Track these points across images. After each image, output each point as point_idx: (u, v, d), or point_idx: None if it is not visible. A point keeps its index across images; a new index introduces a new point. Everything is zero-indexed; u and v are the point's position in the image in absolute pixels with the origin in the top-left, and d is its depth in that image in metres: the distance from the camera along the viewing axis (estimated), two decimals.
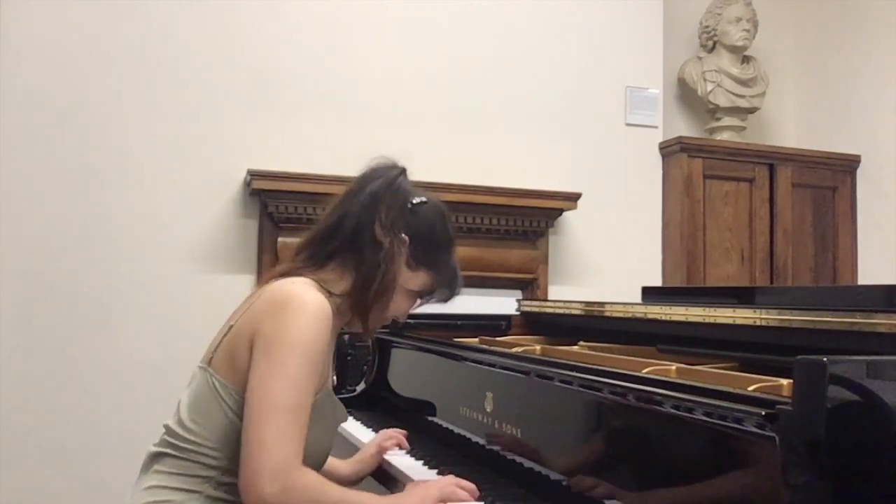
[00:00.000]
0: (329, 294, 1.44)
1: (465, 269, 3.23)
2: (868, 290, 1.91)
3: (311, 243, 1.51)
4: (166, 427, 1.42)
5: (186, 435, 1.38)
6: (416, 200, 1.53)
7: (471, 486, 1.42)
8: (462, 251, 3.24)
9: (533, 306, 2.54)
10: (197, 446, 1.37)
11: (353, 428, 2.11)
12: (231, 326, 1.43)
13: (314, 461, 1.41)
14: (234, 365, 1.38)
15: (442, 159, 3.33)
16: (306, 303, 1.35)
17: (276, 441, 1.28)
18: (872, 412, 0.94)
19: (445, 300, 1.59)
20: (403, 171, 1.56)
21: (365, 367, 2.55)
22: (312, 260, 1.49)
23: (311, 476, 1.33)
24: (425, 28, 3.40)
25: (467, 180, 3.26)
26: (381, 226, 1.45)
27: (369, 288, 1.44)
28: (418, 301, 1.56)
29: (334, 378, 1.52)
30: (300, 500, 1.29)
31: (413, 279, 1.51)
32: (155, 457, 1.42)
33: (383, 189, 1.50)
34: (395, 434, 1.79)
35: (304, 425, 1.32)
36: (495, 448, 1.61)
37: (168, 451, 1.39)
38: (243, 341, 1.37)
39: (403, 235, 1.48)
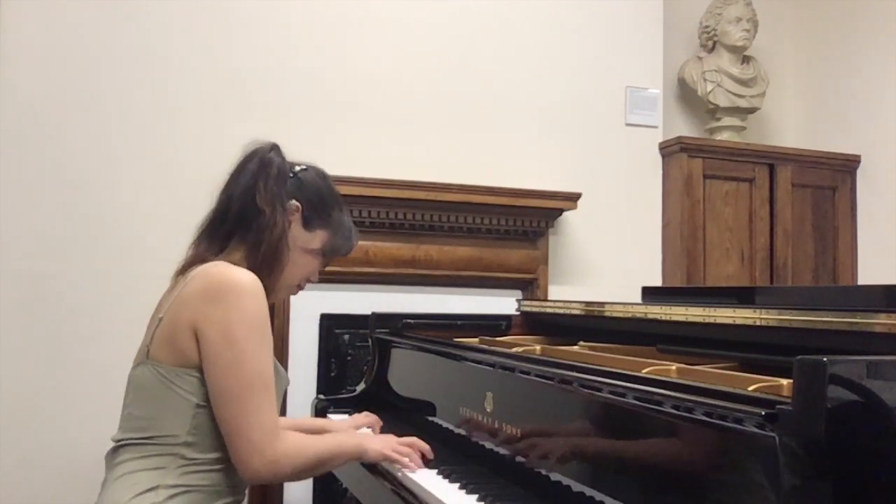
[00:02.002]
0: None
1: (465, 268, 3.32)
2: (868, 290, 1.91)
3: (206, 231, 1.64)
4: (116, 433, 1.51)
5: (141, 424, 1.47)
6: (297, 169, 1.68)
7: (425, 447, 1.67)
8: (462, 251, 3.32)
9: (533, 306, 2.55)
10: (155, 430, 1.45)
11: None
12: (161, 318, 1.52)
13: None
14: (176, 352, 1.47)
15: (442, 159, 3.33)
16: (242, 282, 1.47)
17: (257, 418, 1.42)
18: (872, 412, 0.94)
19: (346, 253, 1.76)
20: (275, 146, 1.67)
21: (365, 367, 2.55)
22: (212, 246, 1.60)
23: (291, 439, 1.49)
24: (425, 28, 3.40)
25: (467, 180, 3.25)
26: (262, 197, 1.58)
27: (258, 252, 1.56)
28: (323, 259, 1.71)
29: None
30: (289, 462, 1.46)
31: (313, 239, 1.66)
32: (114, 451, 1.50)
33: (258, 166, 1.62)
34: (372, 417, 2.01)
35: (274, 396, 1.47)
36: (495, 448, 1.61)
37: (125, 441, 1.48)
38: (183, 329, 1.46)
39: (293, 202, 1.62)
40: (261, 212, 1.57)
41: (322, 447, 1.55)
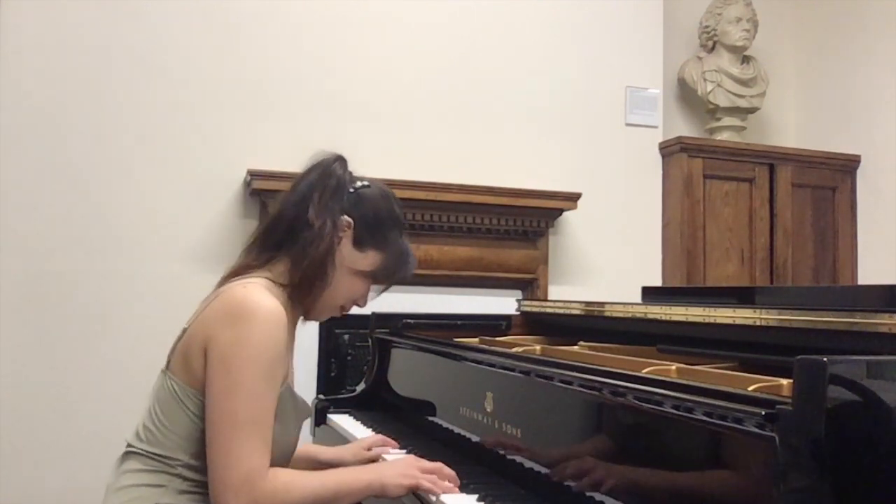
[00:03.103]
0: (282, 287, 1.47)
1: (465, 268, 3.32)
2: (868, 290, 1.91)
3: (259, 238, 1.56)
4: (130, 434, 1.46)
5: (149, 436, 1.42)
6: (357, 184, 1.57)
7: (451, 473, 1.47)
8: (462, 251, 3.32)
9: (533, 306, 2.54)
10: (161, 446, 1.41)
11: (353, 428, 2.11)
12: (185, 329, 1.46)
13: (279, 459, 1.43)
14: (188, 369, 1.41)
15: (442, 159, 3.33)
16: (259, 309, 1.37)
17: (238, 456, 1.31)
18: (872, 412, 0.94)
19: (401, 280, 1.61)
20: (340, 158, 1.59)
21: (365, 367, 2.55)
22: (261, 255, 1.52)
23: (280, 479, 1.35)
24: (425, 28, 3.40)
25: (467, 180, 3.26)
26: (315, 209, 1.49)
27: (300, 267, 1.47)
28: (374, 284, 1.59)
29: (293, 374, 1.55)
30: None
31: (362, 259, 1.54)
32: (124, 456, 1.46)
33: (318, 176, 1.54)
34: (389, 442, 1.80)
35: (266, 434, 1.35)
36: (495, 448, 1.61)
37: (135, 449, 1.43)
38: (196, 346, 1.40)
39: (346, 217, 1.52)
40: (310, 224, 1.48)
41: (319, 488, 1.38)
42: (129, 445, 1.45)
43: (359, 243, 1.53)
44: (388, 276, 1.59)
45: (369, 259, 1.54)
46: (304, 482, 1.38)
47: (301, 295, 1.49)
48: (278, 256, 1.50)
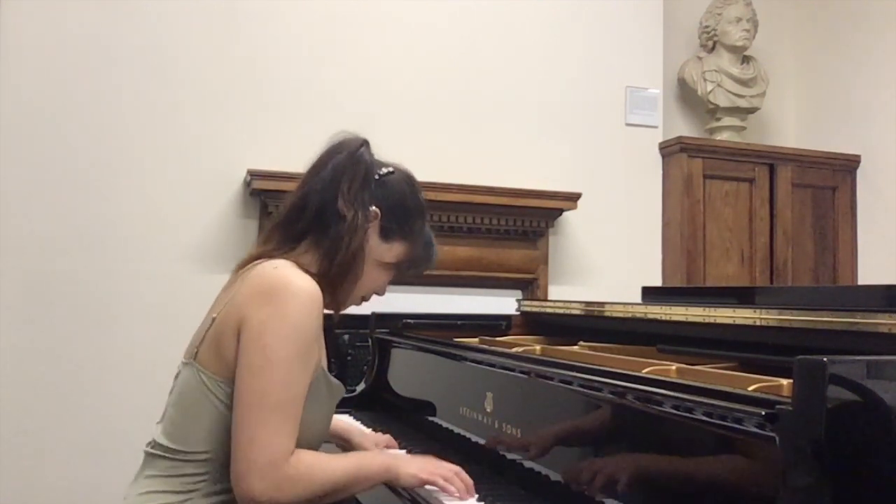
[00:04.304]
0: (309, 275, 1.41)
1: (464, 268, 3.32)
2: (868, 290, 1.91)
3: (281, 225, 1.49)
4: (157, 428, 1.40)
5: (177, 434, 1.36)
6: (383, 171, 1.52)
7: (468, 481, 1.42)
8: (462, 251, 3.32)
9: (533, 306, 2.54)
10: (188, 445, 1.35)
11: None
12: (214, 318, 1.39)
13: (311, 442, 1.40)
14: (220, 357, 1.35)
15: (442, 159, 3.32)
16: (294, 288, 1.33)
17: (265, 439, 1.26)
18: (872, 412, 0.94)
19: (423, 270, 1.59)
20: (365, 142, 1.53)
21: (365, 367, 2.55)
22: (284, 242, 1.46)
23: (304, 462, 1.31)
24: (425, 28, 3.40)
25: (467, 180, 3.26)
26: (345, 199, 1.44)
27: (333, 261, 1.42)
28: (394, 273, 1.55)
29: (325, 355, 1.50)
30: (294, 490, 1.28)
31: (389, 251, 1.50)
32: (148, 459, 1.40)
33: (345, 162, 1.47)
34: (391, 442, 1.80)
35: (295, 417, 1.31)
36: (495, 448, 1.61)
37: (159, 452, 1.37)
38: (229, 331, 1.34)
39: (374, 208, 1.47)
40: (341, 216, 1.42)
41: (340, 471, 1.35)
42: (154, 446, 1.39)
43: (385, 234, 1.49)
44: (412, 267, 1.56)
45: (395, 251, 1.51)
46: (327, 466, 1.34)
47: (330, 287, 1.43)
48: (302, 246, 1.45)
